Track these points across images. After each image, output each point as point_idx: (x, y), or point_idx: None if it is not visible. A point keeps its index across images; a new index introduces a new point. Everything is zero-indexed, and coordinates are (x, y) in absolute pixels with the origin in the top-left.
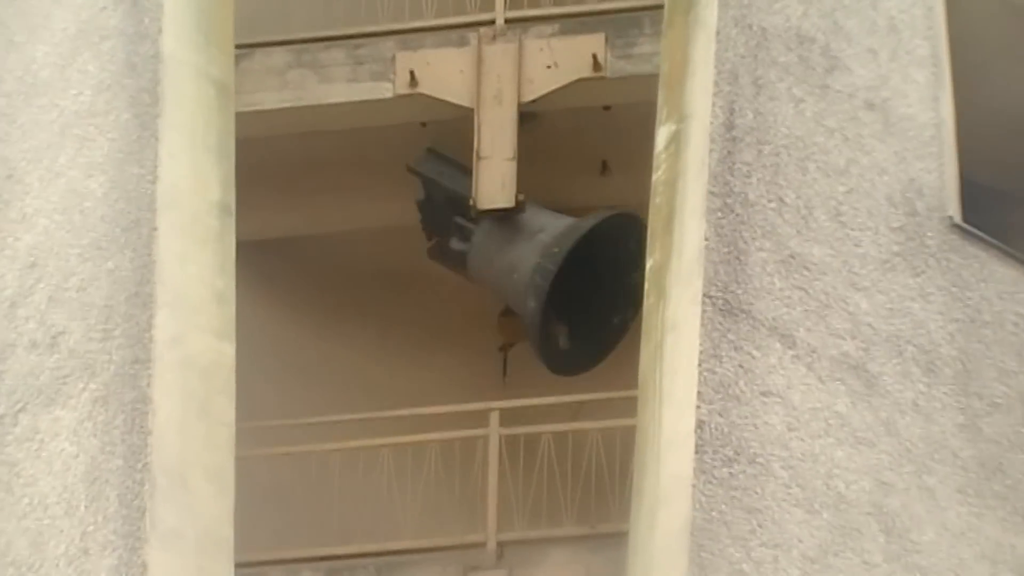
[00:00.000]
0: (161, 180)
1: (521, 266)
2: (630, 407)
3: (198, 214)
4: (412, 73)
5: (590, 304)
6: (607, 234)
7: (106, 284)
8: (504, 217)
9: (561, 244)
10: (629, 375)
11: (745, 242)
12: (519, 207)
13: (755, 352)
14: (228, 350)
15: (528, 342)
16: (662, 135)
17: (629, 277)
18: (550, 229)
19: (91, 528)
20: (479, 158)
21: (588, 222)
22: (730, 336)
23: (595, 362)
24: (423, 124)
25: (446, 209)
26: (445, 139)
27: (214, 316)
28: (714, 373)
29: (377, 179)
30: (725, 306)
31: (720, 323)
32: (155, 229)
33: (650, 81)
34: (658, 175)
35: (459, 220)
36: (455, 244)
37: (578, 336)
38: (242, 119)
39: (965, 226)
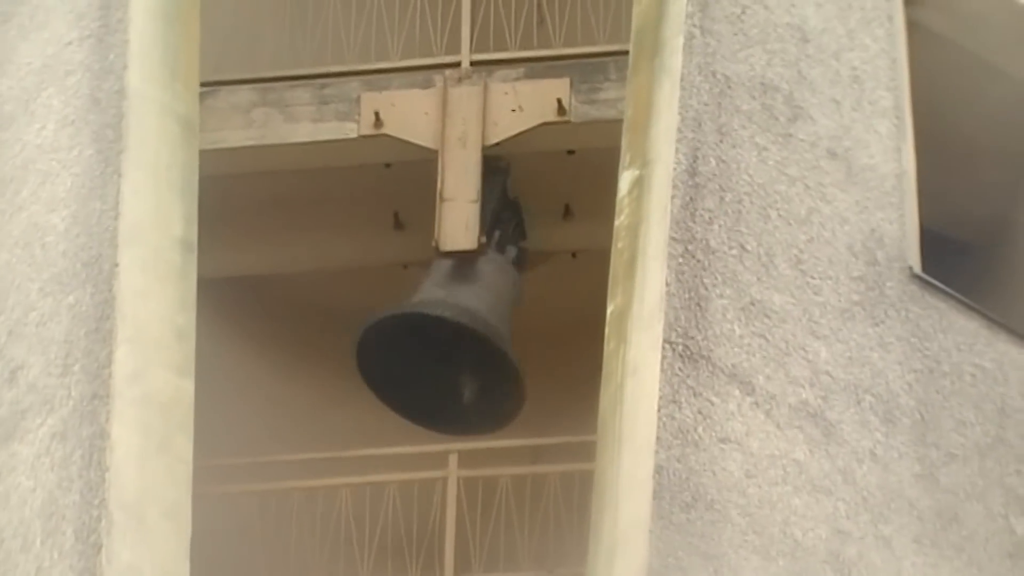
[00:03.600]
0: (123, 216)
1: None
2: (589, 451)
3: (160, 250)
4: (377, 114)
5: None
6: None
7: (66, 319)
8: (465, 259)
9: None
10: (589, 419)
11: (706, 288)
12: (481, 249)
13: (714, 398)
14: (188, 387)
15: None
16: (625, 180)
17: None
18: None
19: (47, 564)
20: (443, 200)
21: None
22: (689, 382)
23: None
24: (387, 165)
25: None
26: (409, 180)
27: (174, 353)
28: (673, 419)
29: (340, 219)
30: (685, 352)
31: (680, 369)
32: (116, 265)
33: (614, 126)
34: (620, 220)
35: None
36: None
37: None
38: (206, 156)
39: (925, 277)
